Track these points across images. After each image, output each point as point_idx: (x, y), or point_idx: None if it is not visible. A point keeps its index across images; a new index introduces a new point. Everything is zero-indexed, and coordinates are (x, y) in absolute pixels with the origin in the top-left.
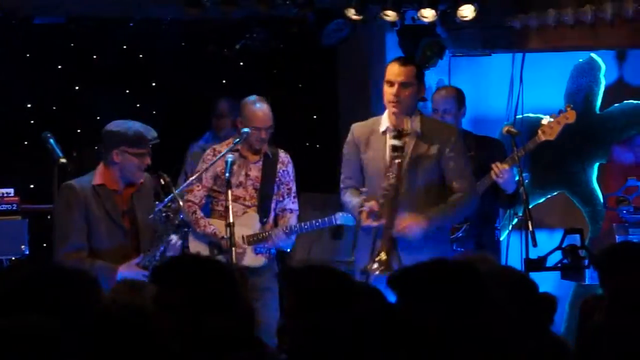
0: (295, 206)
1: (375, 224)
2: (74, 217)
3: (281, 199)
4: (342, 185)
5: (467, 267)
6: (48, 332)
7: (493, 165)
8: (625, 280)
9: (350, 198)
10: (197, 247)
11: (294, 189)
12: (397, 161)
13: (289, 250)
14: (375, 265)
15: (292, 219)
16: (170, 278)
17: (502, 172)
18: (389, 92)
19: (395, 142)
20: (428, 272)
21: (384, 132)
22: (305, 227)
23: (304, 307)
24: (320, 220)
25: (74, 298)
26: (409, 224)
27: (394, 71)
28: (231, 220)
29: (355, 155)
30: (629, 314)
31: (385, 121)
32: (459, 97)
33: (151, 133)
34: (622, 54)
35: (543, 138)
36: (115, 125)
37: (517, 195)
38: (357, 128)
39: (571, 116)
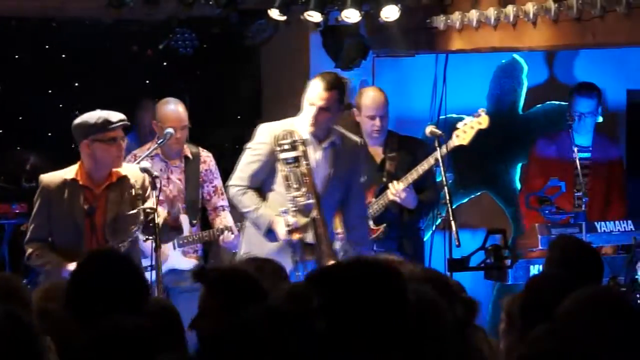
0: (225, 202)
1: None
2: (36, 211)
3: (209, 197)
4: (238, 183)
5: (386, 267)
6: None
7: (390, 185)
8: None
9: (255, 204)
10: None
11: (220, 185)
12: (299, 170)
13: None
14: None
15: (228, 217)
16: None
17: (398, 192)
18: (309, 110)
19: (292, 154)
20: (347, 272)
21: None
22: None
23: (216, 307)
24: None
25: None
26: None
27: (316, 94)
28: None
29: (270, 157)
30: None
31: (305, 130)
32: (386, 98)
33: (117, 116)
34: (546, 55)
35: (457, 143)
36: (79, 119)
37: (425, 204)
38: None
39: (484, 121)
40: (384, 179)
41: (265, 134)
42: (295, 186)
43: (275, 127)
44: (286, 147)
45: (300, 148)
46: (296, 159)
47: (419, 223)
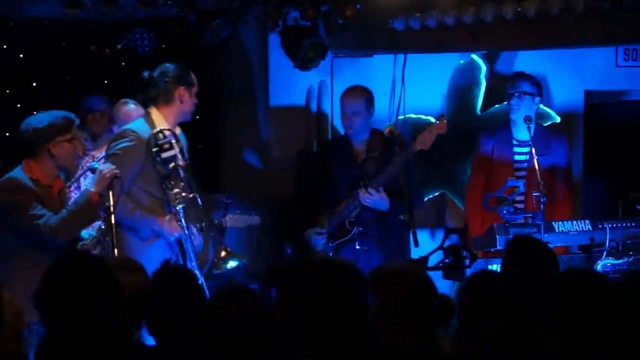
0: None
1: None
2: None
3: None
4: None
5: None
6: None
7: (359, 191)
8: None
9: (132, 208)
10: None
11: None
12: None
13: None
14: None
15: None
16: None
17: (365, 197)
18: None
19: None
20: (302, 269)
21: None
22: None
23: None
24: (209, 223)
25: None
26: None
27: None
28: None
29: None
30: None
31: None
32: (368, 97)
33: (72, 115)
34: (504, 56)
35: (418, 148)
36: (39, 121)
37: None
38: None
39: (442, 127)
40: (360, 181)
41: (132, 136)
42: (172, 183)
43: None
44: (165, 146)
45: (176, 145)
46: (174, 157)
47: (397, 221)
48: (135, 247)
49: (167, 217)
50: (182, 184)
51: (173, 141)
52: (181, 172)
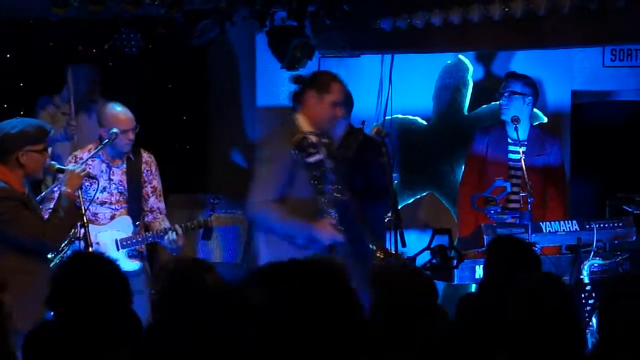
0: (162, 205)
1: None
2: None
3: (146, 197)
4: (262, 198)
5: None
6: None
7: None
8: None
9: (285, 215)
10: None
11: (159, 187)
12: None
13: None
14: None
15: (166, 221)
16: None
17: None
18: (336, 110)
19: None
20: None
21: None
22: (183, 227)
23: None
24: (195, 222)
25: None
26: None
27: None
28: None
29: (291, 165)
30: None
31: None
32: (348, 98)
33: (48, 125)
34: (491, 56)
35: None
36: (12, 126)
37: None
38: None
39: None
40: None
41: (281, 142)
42: (322, 186)
43: (287, 133)
44: (311, 150)
45: (323, 149)
46: (321, 161)
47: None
48: (291, 255)
49: (325, 221)
50: (333, 186)
51: (319, 144)
52: (330, 175)
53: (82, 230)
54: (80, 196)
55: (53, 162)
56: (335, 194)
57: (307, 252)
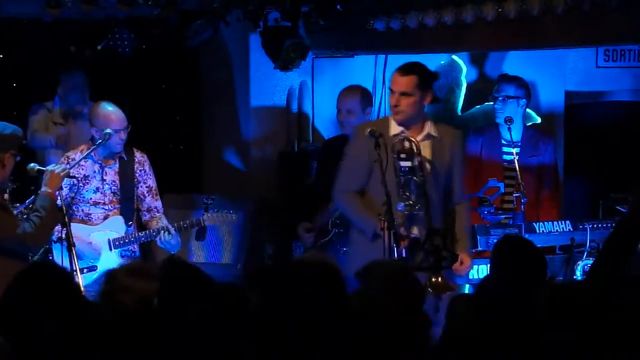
0: (159, 204)
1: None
2: None
3: (142, 197)
4: (344, 188)
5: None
6: None
7: None
8: None
9: (360, 210)
10: None
11: (154, 186)
12: (415, 179)
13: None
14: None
15: (164, 219)
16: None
17: None
18: (391, 99)
19: (408, 164)
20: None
21: (395, 136)
22: (175, 227)
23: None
24: (188, 221)
25: None
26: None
27: (394, 81)
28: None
29: (369, 159)
30: None
31: (394, 125)
32: (364, 97)
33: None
34: (484, 56)
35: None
36: (3, 127)
37: None
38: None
39: None
40: None
41: (356, 134)
42: (407, 195)
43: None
44: (403, 155)
45: (417, 158)
46: (412, 169)
47: None
48: (363, 245)
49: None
50: (408, 195)
51: (414, 150)
52: (412, 185)
53: (64, 231)
54: (61, 196)
55: (33, 165)
56: (407, 202)
57: (376, 248)
